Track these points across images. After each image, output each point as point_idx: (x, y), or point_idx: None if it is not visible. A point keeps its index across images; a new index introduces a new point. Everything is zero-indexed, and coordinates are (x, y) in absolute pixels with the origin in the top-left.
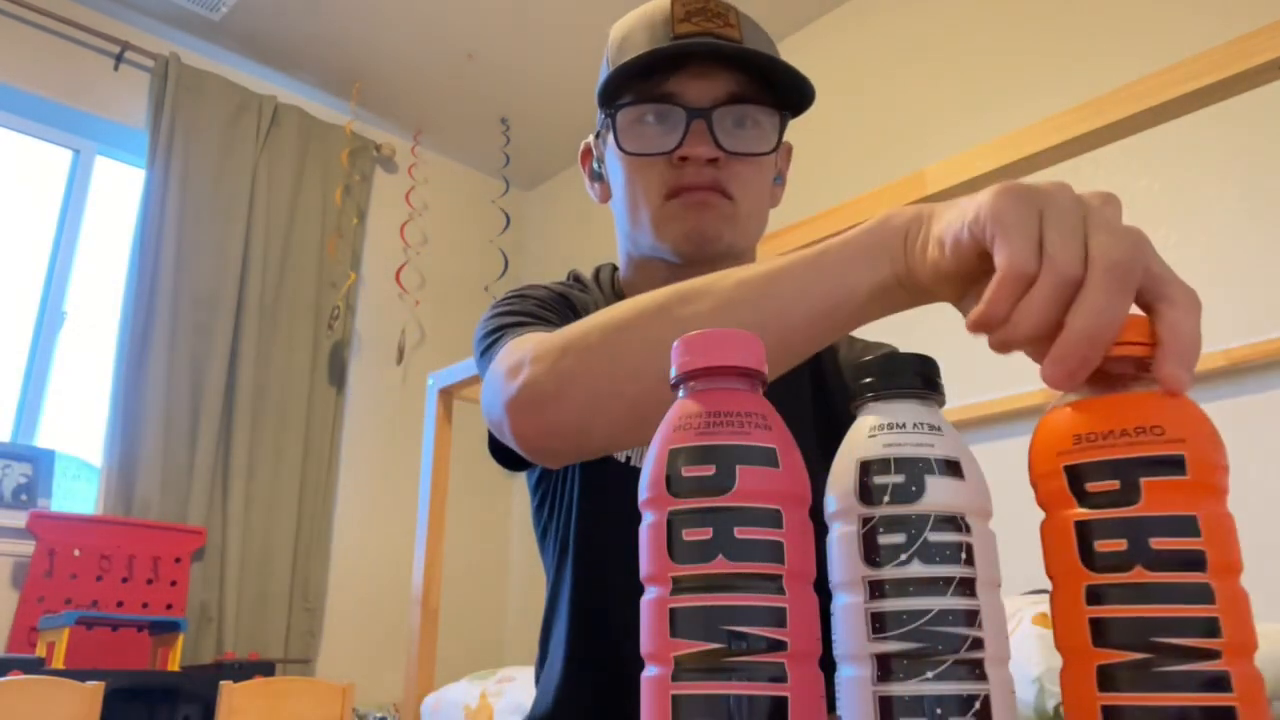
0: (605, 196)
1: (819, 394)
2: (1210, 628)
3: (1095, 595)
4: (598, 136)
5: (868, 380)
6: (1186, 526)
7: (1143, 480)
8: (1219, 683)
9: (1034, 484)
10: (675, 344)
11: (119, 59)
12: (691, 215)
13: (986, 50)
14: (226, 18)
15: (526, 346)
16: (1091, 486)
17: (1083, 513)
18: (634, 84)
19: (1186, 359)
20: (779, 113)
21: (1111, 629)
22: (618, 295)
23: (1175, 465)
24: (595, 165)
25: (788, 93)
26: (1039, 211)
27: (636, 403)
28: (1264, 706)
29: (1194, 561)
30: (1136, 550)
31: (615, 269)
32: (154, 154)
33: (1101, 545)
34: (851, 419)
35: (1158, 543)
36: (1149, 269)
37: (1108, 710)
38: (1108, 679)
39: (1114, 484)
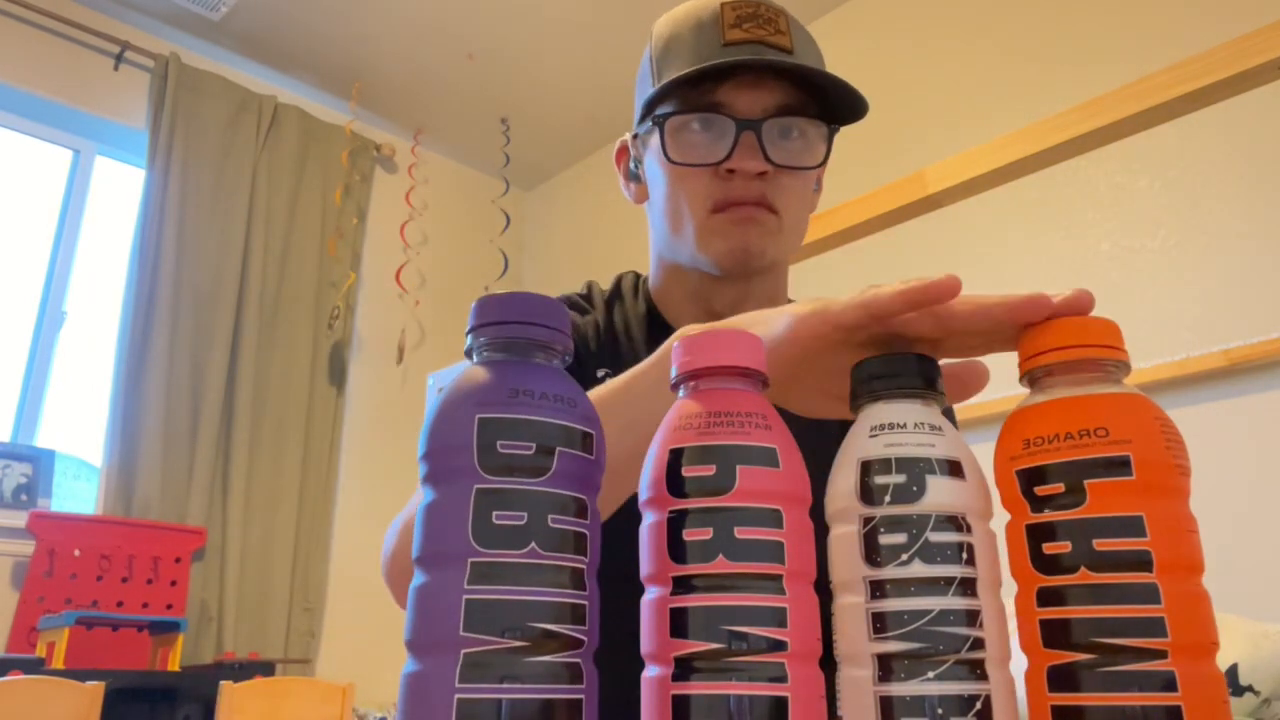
0: (641, 198)
1: None
2: (1156, 628)
3: (1044, 597)
4: (635, 137)
5: (868, 380)
6: (1133, 527)
7: (1087, 482)
8: (1165, 683)
9: (998, 488)
10: (676, 344)
11: (119, 59)
12: (737, 231)
13: (986, 50)
14: (226, 18)
15: (389, 535)
16: (1040, 490)
17: (1032, 516)
18: (681, 90)
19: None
20: (826, 124)
21: (1058, 630)
22: (648, 303)
23: (1121, 466)
24: (632, 165)
25: (838, 104)
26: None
27: None
28: (1219, 706)
29: (1140, 562)
30: (1081, 552)
31: (639, 276)
32: (154, 154)
33: (1048, 548)
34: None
35: (1102, 544)
36: None
37: (1057, 710)
38: (1056, 679)
39: (1059, 487)
